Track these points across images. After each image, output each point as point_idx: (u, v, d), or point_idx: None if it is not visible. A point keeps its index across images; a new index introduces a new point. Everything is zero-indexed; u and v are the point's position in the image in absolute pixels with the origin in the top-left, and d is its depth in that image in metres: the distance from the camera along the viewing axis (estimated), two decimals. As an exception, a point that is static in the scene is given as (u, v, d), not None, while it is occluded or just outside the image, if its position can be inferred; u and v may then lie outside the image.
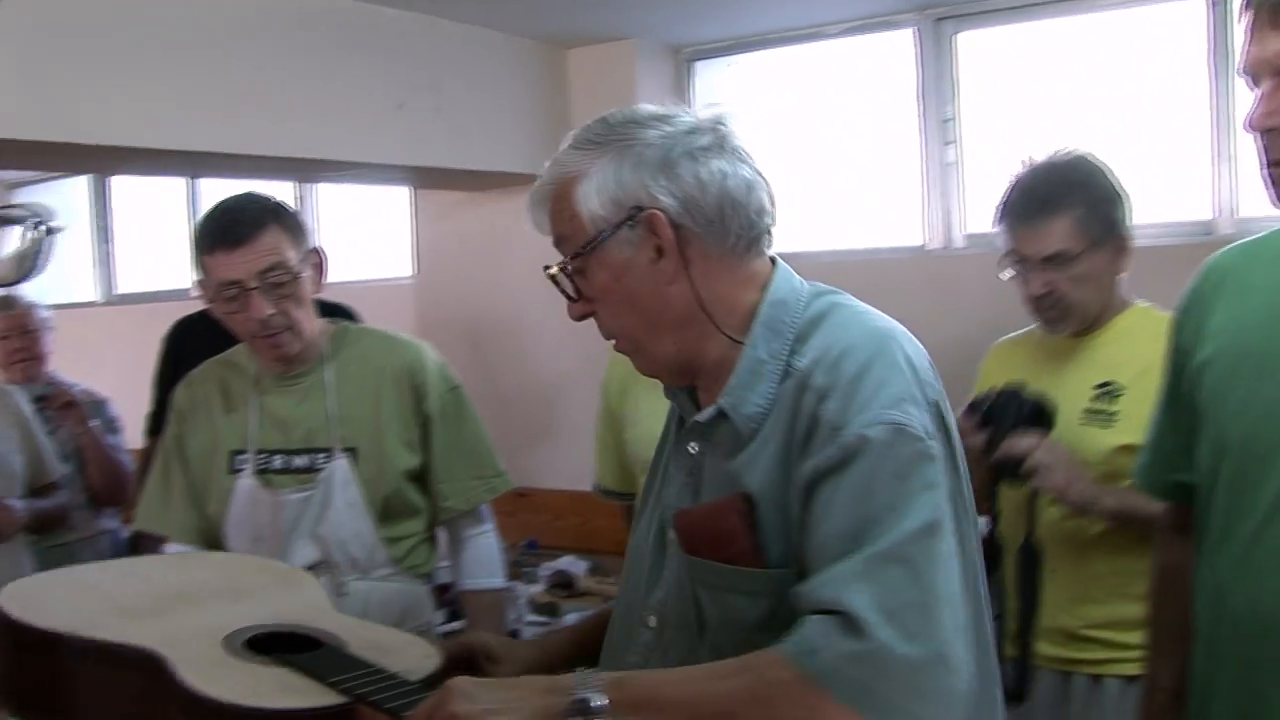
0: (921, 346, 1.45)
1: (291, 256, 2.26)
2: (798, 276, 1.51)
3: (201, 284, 2.32)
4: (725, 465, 1.43)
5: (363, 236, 5.91)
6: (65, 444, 3.78)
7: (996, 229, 2.44)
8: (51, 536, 3.61)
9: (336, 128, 4.05)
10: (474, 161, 4.46)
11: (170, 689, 1.41)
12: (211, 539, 2.41)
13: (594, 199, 1.42)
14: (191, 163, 4.37)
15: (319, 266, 2.37)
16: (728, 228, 1.43)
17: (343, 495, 2.32)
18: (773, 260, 1.52)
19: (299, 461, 2.34)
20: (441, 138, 4.33)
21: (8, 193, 7.77)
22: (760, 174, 1.47)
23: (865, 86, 4.43)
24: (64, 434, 3.81)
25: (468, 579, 2.49)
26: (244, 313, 2.24)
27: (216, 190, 5.03)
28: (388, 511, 2.36)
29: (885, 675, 1.21)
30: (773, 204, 1.48)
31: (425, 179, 4.84)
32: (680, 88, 4.88)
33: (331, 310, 2.70)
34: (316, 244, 2.40)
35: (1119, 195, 2.39)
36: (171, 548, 2.45)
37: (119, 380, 4.30)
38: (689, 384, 1.54)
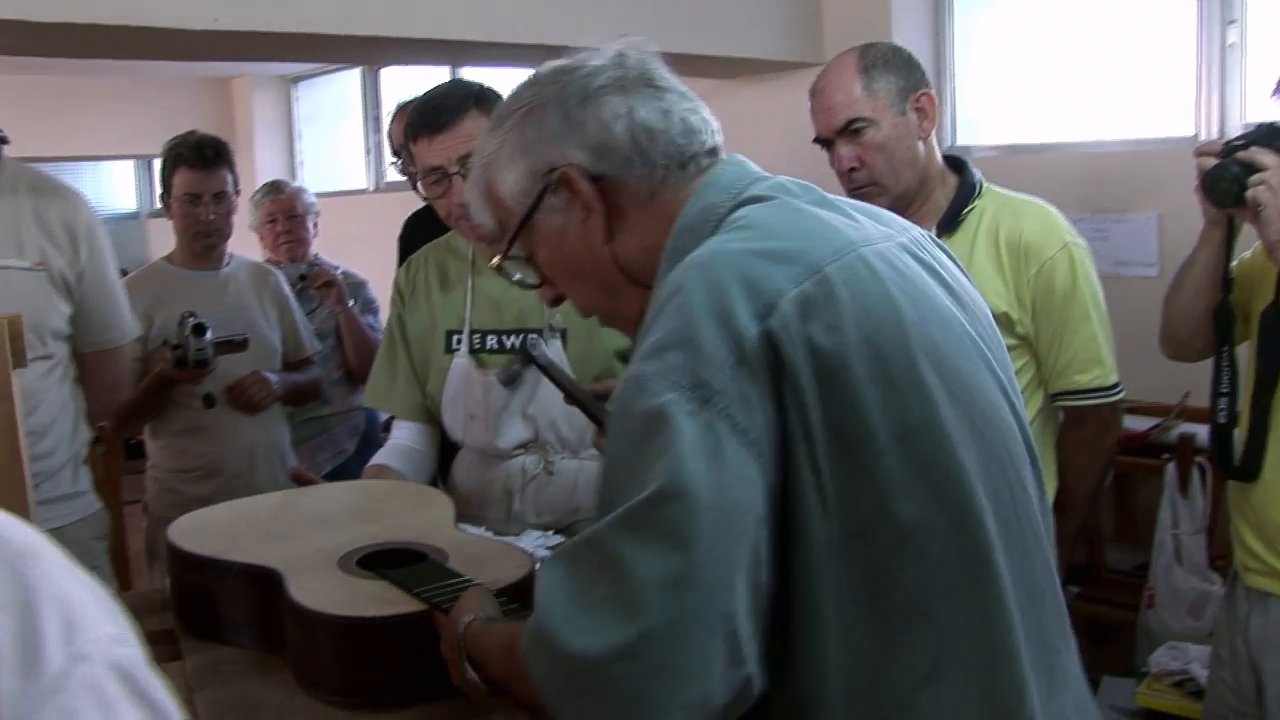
0: (830, 246, 1.20)
1: None
2: (727, 186, 1.33)
3: (412, 172, 2.37)
4: None
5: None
6: (323, 323, 3.96)
7: (1275, 95, 2.21)
8: (306, 410, 3.81)
9: (587, 14, 4.07)
10: (720, 47, 4.40)
11: (284, 601, 1.62)
12: (434, 416, 2.49)
13: (509, 177, 1.36)
14: (451, 51, 4.48)
15: None
16: (651, 160, 1.32)
17: (554, 376, 2.34)
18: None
19: (512, 341, 2.38)
20: (689, 23, 4.29)
21: (290, 85, 8.17)
22: (684, 95, 1.37)
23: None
24: (322, 313, 3.99)
25: None
26: (446, 198, 2.28)
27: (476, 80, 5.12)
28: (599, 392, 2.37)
29: (551, 666, 1.09)
30: (705, 123, 1.37)
31: (672, 65, 4.79)
32: (940, -31, 4.67)
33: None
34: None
35: None
36: (398, 425, 2.55)
37: (386, 265, 4.45)
38: None
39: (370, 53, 4.95)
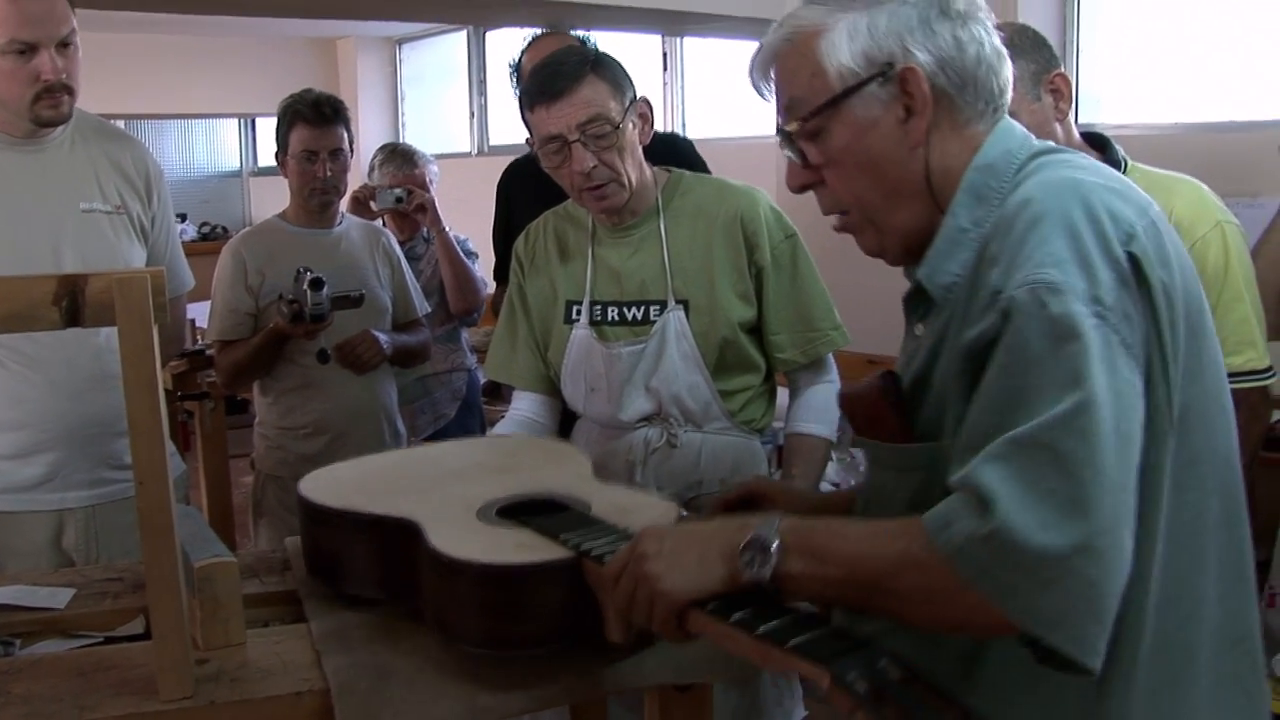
0: (1143, 195, 1.31)
1: (613, 107, 2.23)
2: (1020, 138, 1.40)
3: (529, 142, 2.33)
4: (926, 342, 1.38)
5: (727, 94, 5.88)
6: (426, 282, 3.94)
7: None
8: (409, 371, 3.79)
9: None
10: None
11: (423, 551, 1.57)
12: (555, 387, 2.45)
13: (844, 51, 1.33)
14: (560, 13, 4.44)
15: (645, 117, 2.33)
16: (979, 93, 1.36)
17: (676, 348, 2.29)
18: None
19: (633, 313, 2.33)
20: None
21: (395, 46, 8.18)
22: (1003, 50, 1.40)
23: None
24: (426, 270, 3.97)
25: (794, 423, 2.43)
26: (568, 166, 2.23)
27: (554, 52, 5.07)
28: (722, 364, 2.33)
29: (1008, 561, 1.10)
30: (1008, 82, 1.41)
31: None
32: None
33: (665, 141, 2.65)
34: (641, 94, 2.34)
35: None
36: (519, 395, 2.51)
37: (489, 227, 4.44)
38: (915, 262, 1.44)
39: (490, 14, 4.92)
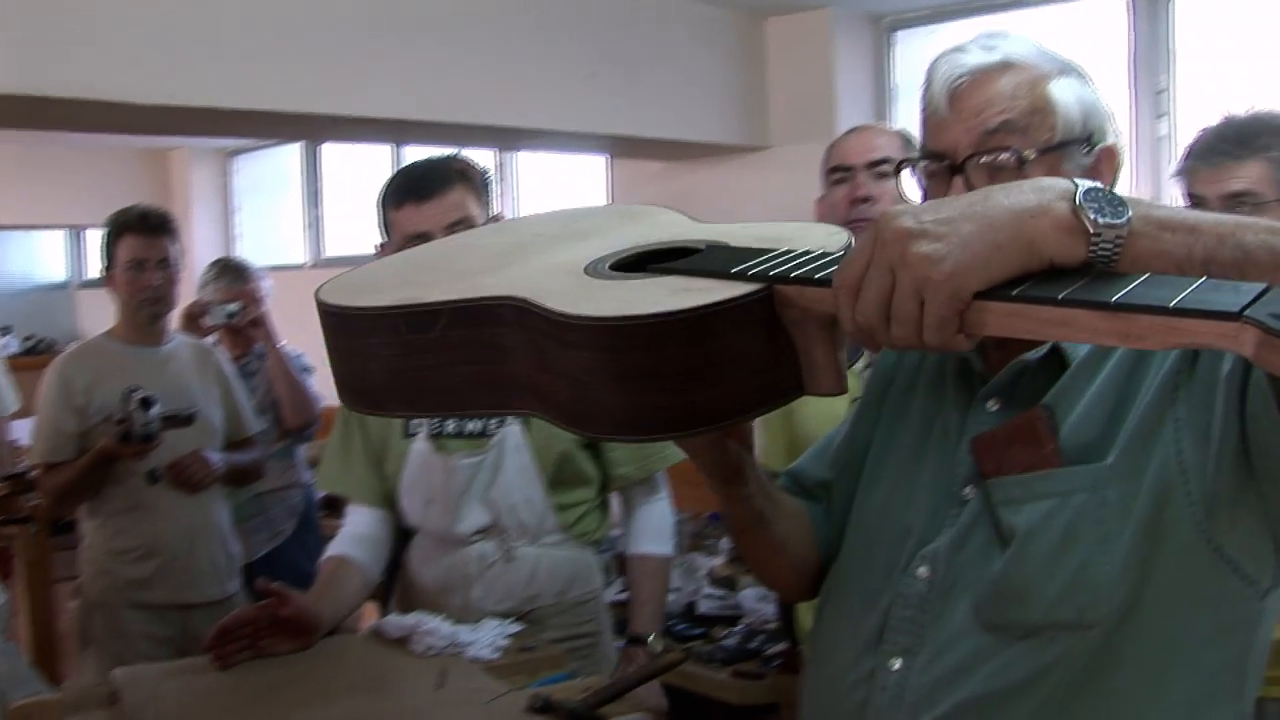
0: None
1: (477, 214, 2.30)
2: None
3: (384, 245, 2.36)
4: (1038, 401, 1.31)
5: (559, 204, 5.98)
6: (260, 399, 3.90)
7: (1176, 175, 2.30)
8: (247, 489, 3.74)
9: (531, 96, 4.12)
10: (666, 130, 4.45)
11: (545, 330, 1.08)
12: (390, 500, 2.45)
13: (1074, 104, 1.33)
14: (396, 130, 4.50)
15: None
16: None
17: (514, 461, 2.32)
18: None
19: (472, 426, 2.35)
20: (633, 107, 4.34)
21: (228, 159, 8.13)
22: None
23: (1072, 56, 4.27)
24: (260, 390, 3.93)
25: (634, 544, 2.48)
26: None
27: (420, 158, 5.13)
28: (559, 478, 2.36)
29: None
30: None
31: (619, 148, 4.86)
32: (880, 58, 4.77)
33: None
34: (499, 209, 2.42)
35: None
36: (353, 510, 2.48)
37: (324, 342, 4.42)
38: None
39: (324, 131, 4.95)
